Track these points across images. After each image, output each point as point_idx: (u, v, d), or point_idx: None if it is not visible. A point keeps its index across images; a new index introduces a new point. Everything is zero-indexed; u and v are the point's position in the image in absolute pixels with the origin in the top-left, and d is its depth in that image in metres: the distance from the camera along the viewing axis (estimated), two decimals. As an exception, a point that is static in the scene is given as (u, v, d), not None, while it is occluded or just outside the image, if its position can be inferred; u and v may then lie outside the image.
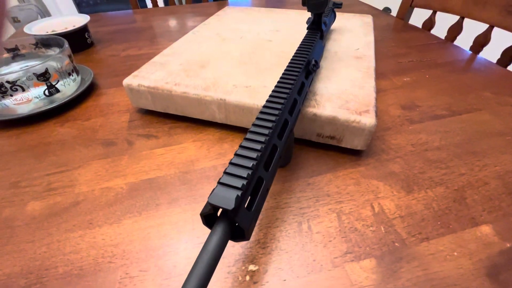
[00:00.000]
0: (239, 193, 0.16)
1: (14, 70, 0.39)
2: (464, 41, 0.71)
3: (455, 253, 0.25)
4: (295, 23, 0.57)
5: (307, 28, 0.38)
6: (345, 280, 0.23)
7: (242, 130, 0.39)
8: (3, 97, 0.39)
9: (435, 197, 0.30)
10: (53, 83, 0.43)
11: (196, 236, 0.27)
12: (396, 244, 0.26)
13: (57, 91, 0.44)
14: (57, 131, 0.41)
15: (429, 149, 0.35)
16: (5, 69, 0.48)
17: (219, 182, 0.17)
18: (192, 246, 0.26)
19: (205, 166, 0.34)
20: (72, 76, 0.47)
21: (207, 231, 0.27)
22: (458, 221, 0.27)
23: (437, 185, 0.31)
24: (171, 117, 0.42)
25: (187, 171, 0.34)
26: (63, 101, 0.44)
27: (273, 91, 0.26)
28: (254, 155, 0.19)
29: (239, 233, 0.18)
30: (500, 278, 0.23)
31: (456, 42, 0.70)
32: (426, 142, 0.37)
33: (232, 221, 0.16)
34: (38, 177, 0.33)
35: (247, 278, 0.24)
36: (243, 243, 0.26)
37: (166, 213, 0.29)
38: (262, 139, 0.20)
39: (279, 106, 0.23)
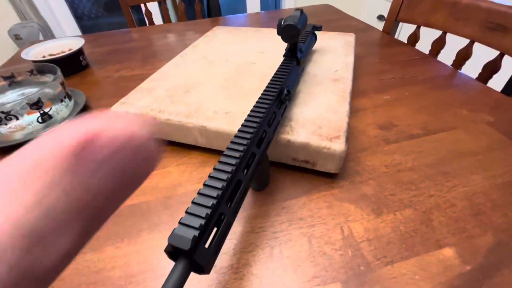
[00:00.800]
0: (196, 233, 0.18)
1: (9, 99, 0.41)
2: (448, 55, 0.72)
3: (417, 277, 0.26)
4: (279, 43, 0.60)
5: (284, 55, 0.40)
6: (310, 305, 0.25)
7: (224, 153, 0.41)
8: (-2, 126, 0.41)
9: (403, 219, 0.31)
10: (46, 110, 0.45)
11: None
12: (362, 268, 0.27)
13: (50, 117, 0.46)
14: (49, 156, 0.43)
15: (401, 170, 0.37)
16: (1, 98, 0.50)
17: (179, 222, 0.19)
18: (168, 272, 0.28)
19: (187, 191, 0.36)
20: (64, 102, 0.49)
21: (184, 257, 0.29)
22: (423, 244, 0.29)
23: (406, 207, 0.32)
24: (157, 141, 0.44)
25: (169, 196, 0.35)
26: (56, 126, 0.46)
27: (242, 124, 0.27)
28: (214, 193, 0.20)
29: (200, 268, 0.20)
30: (457, 301, 0.24)
31: (440, 56, 0.72)
32: (399, 163, 0.38)
33: (191, 259, 0.18)
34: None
35: (219, 303, 0.25)
36: (217, 267, 0.28)
37: (146, 239, 0.31)
38: (224, 177, 0.22)
39: (244, 142, 0.25)
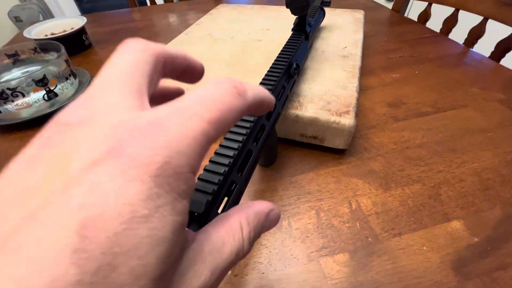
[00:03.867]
0: (209, 197, 0.18)
1: (15, 76, 0.41)
2: (460, 34, 0.70)
3: (424, 248, 0.26)
4: (286, 20, 0.58)
5: (292, 30, 0.39)
6: (318, 273, 0.25)
7: (230, 130, 0.40)
8: (5, 103, 0.41)
9: (411, 194, 0.31)
10: (52, 88, 0.45)
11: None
12: (370, 239, 0.27)
13: (56, 95, 0.46)
14: (57, 134, 0.43)
15: (410, 147, 0.37)
16: (6, 75, 0.50)
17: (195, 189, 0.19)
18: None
19: (195, 166, 0.36)
20: (70, 80, 0.49)
21: (194, 228, 0.29)
22: (431, 217, 0.29)
23: (414, 182, 0.32)
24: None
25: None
26: (63, 104, 0.46)
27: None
28: (226, 161, 0.20)
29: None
30: (464, 270, 0.25)
31: (451, 35, 0.70)
32: (408, 139, 0.38)
33: (204, 223, 0.18)
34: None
35: (228, 271, 0.26)
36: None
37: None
38: (235, 145, 0.22)
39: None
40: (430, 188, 0.32)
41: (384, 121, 0.41)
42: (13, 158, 0.10)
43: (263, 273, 0.26)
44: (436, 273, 0.25)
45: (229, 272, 0.25)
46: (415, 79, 0.49)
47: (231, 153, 0.21)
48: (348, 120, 0.32)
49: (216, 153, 0.21)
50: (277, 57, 0.33)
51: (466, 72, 0.51)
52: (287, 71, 0.32)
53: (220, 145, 0.22)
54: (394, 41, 0.62)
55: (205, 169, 0.20)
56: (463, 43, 0.67)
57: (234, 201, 0.21)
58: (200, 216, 0.18)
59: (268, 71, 0.31)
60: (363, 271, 0.25)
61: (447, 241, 0.27)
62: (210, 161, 0.21)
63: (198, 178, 0.19)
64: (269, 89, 0.27)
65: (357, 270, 0.25)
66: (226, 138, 0.22)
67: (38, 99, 0.45)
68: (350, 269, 0.25)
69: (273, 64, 0.32)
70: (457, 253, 0.26)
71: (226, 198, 0.21)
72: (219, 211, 0.19)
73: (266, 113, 0.27)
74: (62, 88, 0.47)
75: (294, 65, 0.32)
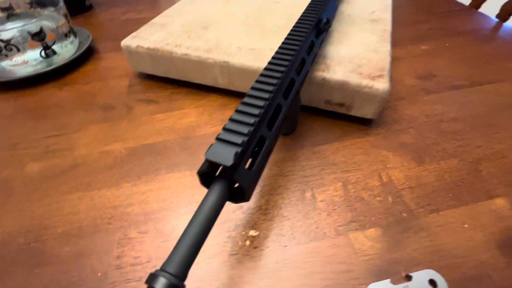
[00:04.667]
0: (238, 149, 0.15)
1: (8, 28, 0.37)
2: (490, 9, 0.65)
3: (466, 225, 0.24)
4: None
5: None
6: (348, 249, 0.23)
7: (246, 96, 0.37)
8: (-2, 57, 0.38)
9: (447, 168, 0.28)
10: (49, 44, 0.41)
11: (196, 201, 0.26)
12: (404, 214, 0.25)
13: (54, 53, 0.42)
14: (56, 94, 0.39)
15: (444, 120, 0.33)
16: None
17: (217, 138, 0.16)
18: (192, 211, 0.25)
19: (207, 133, 0.33)
20: (69, 38, 0.44)
21: (207, 196, 0.26)
22: (471, 194, 0.26)
23: (451, 157, 0.29)
24: (172, 82, 0.40)
25: (187, 137, 0.32)
26: (62, 63, 0.42)
27: (279, 47, 0.23)
28: (256, 111, 0.17)
29: (238, 194, 0.17)
30: (512, 251, 0.22)
31: (480, 10, 0.65)
32: (441, 112, 0.34)
33: (230, 179, 0.15)
34: (36, 140, 0.33)
35: (247, 243, 0.23)
36: (244, 208, 0.25)
37: (165, 177, 0.28)
38: (266, 95, 0.18)
39: (285, 63, 0.21)
40: (468, 163, 0.28)
41: (414, 93, 0.37)
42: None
43: (286, 246, 0.23)
44: (481, 252, 0.22)
45: (248, 243, 0.23)
46: (446, 52, 0.45)
47: (261, 103, 0.18)
48: (382, 85, 0.28)
49: (243, 103, 0.18)
50: (305, 11, 0.29)
51: (501, 46, 0.46)
52: (316, 26, 0.28)
53: (247, 95, 0.19)
54: (422, 13, 0.57)
55: (231, 119, 0.17)
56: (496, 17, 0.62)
57: (263, 161, 0.18)
58: (227, 169, 0.15)
59: (295, 25, 0.27)
60: (398, 248, 0.22)
61: (490, 219, 0.24)
62: (237, 110, 0.17)
63: (224, 128, 0.16)
64: (296, 44, 0.24)
65: (392, 246, 0.23)
66: (253, 88, 0.19)
67: (35, 57, 0.41)
68: (384, 245, 0.23)
69: (300, 17, 0.28)
70: (503, 233, 0.23)
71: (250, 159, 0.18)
72: (246, 166, 0.16)
73: (296, 66, 0.23)
74: (61, 46, 0.43)
75: (325, 20, 0.28)
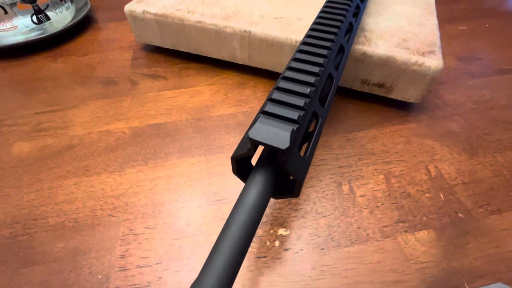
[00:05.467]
0: (295, 127, 0.11)
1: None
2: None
3: (535, 230, 0.20)
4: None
5: None
6: (397, 254, 0.19)
7: (267, 74, 0.32)
8: (-19, 19, 0.33)
9: (505, 163, 0.24)
10: (42, 7, 0.36)
11: (213, 191, 0.22)
12: (460, 215, 0.21)
13: (48, 18, 0.37)
14: (49, 66, 0.35)
15: (494, 108, 0.29)
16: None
17: (263, 112, 0.12)
18: (208, 203, 0.22)
19: (223, 113, 0.28)
20: (66, 3, 0.39)
21: (227, 187, 0.22)
22: (536, 193, 0.22)
23: (508, 149, 0.25)
24: (181, 56, 0.35)
25: (201, 118, 0.28)
26: (56, 31, 0.37)
27: (324, 6, 0.19)
28: (311, 79, 0.13)
29: (282, 187, 0.13)
30: None
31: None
32: (490, 99, 0.30)
33: (281, 167, 0.11)
34: (25, 116, 0.28)
35: (277, 243, 0.19)
36: (270, 202, 0.21)
37: (176, 163, 0.24)
38: (320, 60, 0.14)
39: (337, 24, 0.17)
40: (528, 157, 0.25)
41: (456, 77, 0.33)
42: None
43: (323, 248, 0.19)
44: (558, 264, 0.18)
45: (277, 244, 0.19)
46: (487, 33, 0.41)
47: (315, 69, 0.13)
48: (435, 62, 0.24)
49: (293, 68, 0.14)
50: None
51: (547, 30, 0.42)
52: (360, -12, 0.23)
53: (296, 59, 0.14)
54: (455, -9, 0.52)
55: (279, 88, 0.13)
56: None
57: (315, 145, 0.14)
58: (279, 155, 0.11)
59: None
60: (458, 255, 0.19)
61: None
62: (285, 77, 0.13)
63: (272, 99, 0.12)
64: (345, 3, 0.19)
65: (449, 253, 0.19)
66: (303, 51, 0.15)
67: (26, 23, 0.36)
68: (440, 251, 0.19)
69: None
70: None
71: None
72: (301, 153, 0.12)
73: (345, 31, 0.19)
74: (56, 12, 0.38)
75: (370, -19, 0.24)
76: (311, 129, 0.14)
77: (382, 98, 0.29)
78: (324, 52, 0.14)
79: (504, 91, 0.31)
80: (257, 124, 0.11)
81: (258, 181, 0.11)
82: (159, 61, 0.35)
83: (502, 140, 0.26)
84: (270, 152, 0.12)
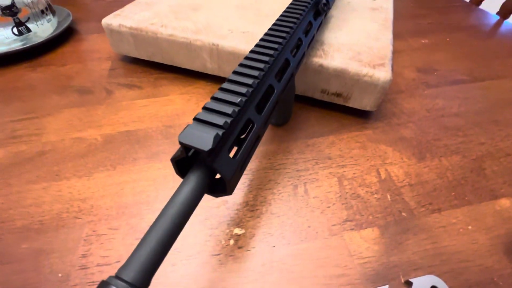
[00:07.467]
0: (220, 131, 0.12)
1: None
2: (490, 6, 0.64)
3: (470, 227, 0.22)
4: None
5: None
6: (342, 250, 0.20)
7: (236, 84, 0.34)
8: (-38, 31, 0.34)
9: (450, 166, 0.26)
10: (22, 20, 0.37)
11: (176, 194, 0.24)
12: (403, 214, 0.23)
13: (28, 30, 0.38)
14: (28, 75, 0.36)
15: (445, 115, 0.31)
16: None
17: (195, 119, 0.13)
18: (171, 205, 0.23)
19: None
20: (47, 16, 0.41)
21: (189, 189, 0.24)
22: (475, 193, 0.24)
23: (453, 154, 0.27)
24: (157, 67, 0.37)
25: (171, 125, 0.30)
26: (37, 42, 0.38)
27: (274, 24, 0.21)
28: (243, 90, 0.15)
29: (220, 186, 0.14)
30: (520, 256, 0.20)
31: (481, 7, 0.63)
32: (443, 107, 0.32)
33: (209, 167, 0.13)
34: (1, 123, 0.29)
35: (231, 242, 0.21)
36: (230, 203, 0.23)
37: (143, 168, 0.25)
38: (256, 73, 0.16)
39: (280, 40, 0.19)
40: (471, 161, 0.27)
41: (414, 87, 0.35)
42: None
43: (274, 246, 0.21)
44: (486, 257, 0.20)
45: (231, 242, 0.20)
46: (447, 46, 0.44)
47: (249, 81, 0.15)
48: (383, 74, 0.26)
49: (230, 80, 0.15)
50: (303, -10, 0.27)
51: (502, 43, 0.45)
52: (314, 6, 0.26)
53: (234, 72, 0.16)
54: (422, 7, 0.55)
55: (213, 98, 0.14)
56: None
57: (249, 148, 0.15)
58: (205, 156, 0.12)
59: (292, 3, 0.25)
60: (397, 251, 0.20)
61: (496, 221, 0.22)
62: (220, 89, 0.15)
63: (205, 108, 0.14)
64: (293, 22, 0.21)
65: (390, 248, 0.21)
66: (241, 64, 0.17)
67: (7, 35, 0.37)
68: (381, 247, 0.21)
69: (297, -4, 0.26)
70: (509, 235, 0.21)
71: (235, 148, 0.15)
72: (231, 155, 0.14)
73: (292, 46, 0.21)
74: (37, 24, 0.39)
75: (324, 0, 0.26)
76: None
77: (343, 107, 0.31)
78: (261, 65, 0.16)
79: (456, 100, 0.33)
80: (187, 129, 0.13)
81: (191, 180, 0.13)
82: (136, 71, 0.37)
83: (449, 145, 0.28)
84: (201, 154, 0.13)
